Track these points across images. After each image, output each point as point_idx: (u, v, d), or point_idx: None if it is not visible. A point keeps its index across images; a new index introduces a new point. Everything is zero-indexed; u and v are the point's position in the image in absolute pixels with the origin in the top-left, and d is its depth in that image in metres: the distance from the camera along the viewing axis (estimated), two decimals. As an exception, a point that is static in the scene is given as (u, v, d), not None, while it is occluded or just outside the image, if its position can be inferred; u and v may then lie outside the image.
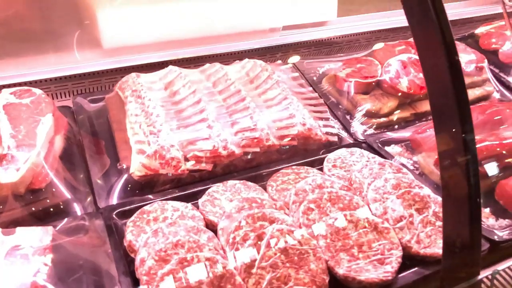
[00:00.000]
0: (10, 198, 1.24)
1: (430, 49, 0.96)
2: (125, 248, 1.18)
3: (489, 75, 2.02)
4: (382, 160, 1.48)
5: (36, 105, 1.47)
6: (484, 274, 1.04)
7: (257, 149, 1.48)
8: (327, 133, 1.62)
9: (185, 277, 1.01)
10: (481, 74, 1.99)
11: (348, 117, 1.76)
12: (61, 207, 1.29)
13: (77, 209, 1.30)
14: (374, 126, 1.72)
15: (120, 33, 1.79)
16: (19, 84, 1.62)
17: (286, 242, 1.10)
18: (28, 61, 1.69)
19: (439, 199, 1.26)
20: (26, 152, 1.29)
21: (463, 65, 1.94)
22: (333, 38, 2.19)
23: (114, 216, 1.28)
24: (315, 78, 1.94)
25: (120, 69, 1.80)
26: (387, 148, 1.61)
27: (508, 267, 1.12)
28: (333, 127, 1.67)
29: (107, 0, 1.73)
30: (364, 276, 1.07)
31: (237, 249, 1.09)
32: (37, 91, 1.53)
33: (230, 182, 1.38)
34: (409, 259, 1.16)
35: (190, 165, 1.40)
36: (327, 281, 1.07)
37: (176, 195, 1.35)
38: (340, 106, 1.81)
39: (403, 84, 1.78)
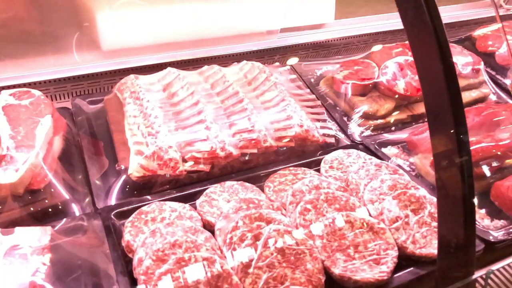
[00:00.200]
0: (9, 198, 1.24)
1: (425, 51, 0.97)
2: (123, 248, 1.19)
3: (485, 77, 2.03)
4: (378, 161, 1.49)
5: (35, 106, 1.48)
6: (478, 274, 1.05)
7: (255, 150, 1.49)
8: (324, 135, 1.63)
9: (182, 277, 1.01)
10: (477, 76, 2.00)
11: (345, 118, 1.77)
12: (60, 207, 1.29)
13: (76, 209, 1.30)
14: (371, 127, 1.74)
15: (119, 35, 1.81)
16: (19, 86, 1.64)
17: (282, 242, 1.11)
18: (28, 62, 1.70)
19: (435, 200, 1.27)
20: (25, 153, 1.30)
21: (459, 67, 1.96)
22: (331, 41, 2.21)
23: (112, 216, 1.28)
24: (312, 80, 1.95)
25: (119, 71, 1.81)
26: (383, 150, 1.62)
27: (503, 267, 1.13)
28: (330, 128, 1.68)
29: (106, 2, 1.74)
30: (360, 276, 1.08)
31: (234, 249, 1.10)
32: (36, 92, 1.54)
33: (228, 183, 1.39)
34: (405, 259, 1.17)
35: (188, 166, 1.41)
36: (323, 281, 1.08)
37: (174, 195, 1.36)
38: (337, 108, 1.82)
39: (400, 86, 1.80)
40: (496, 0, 2.58)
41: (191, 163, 1.41)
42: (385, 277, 1.09)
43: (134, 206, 1.31)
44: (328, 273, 1.11)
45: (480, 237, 1.24)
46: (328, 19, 2.24)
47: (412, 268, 1.16)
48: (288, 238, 1.12)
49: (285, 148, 1.55)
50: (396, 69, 1.85)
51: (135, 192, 1.38)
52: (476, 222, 1.32)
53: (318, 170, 1.49)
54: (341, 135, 1.69)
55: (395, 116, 1.80)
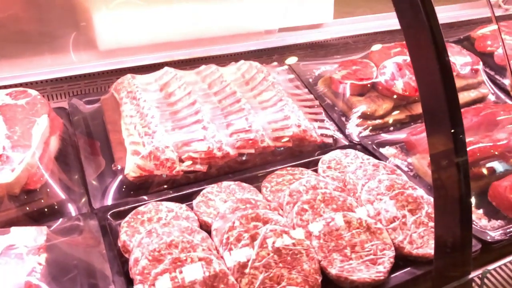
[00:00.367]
0: (5, 198, 1.24)
1: (421, 51, 0.97)
2: (119, 248, 1.18)
3: (484, 77, 2.03)
4: (376, 161, 1.48)
5: (32, 106, 1.47)
6: (474, 274, 1.04)
7: (252, 151, 1.49)
8: (322, 135, 1.63)
9: (178, 277, 1.01)
10: (476, 76, 2.00)
11: (343, 118, 1.77)
12: (56, 207, 1.29)
13: (72, 209, 1.30)
14: (369, 128, 1.73)
15: (116, 35, 1.80)
16: (15, 85, 1.63)
17: (279, 242, 1.10)
18: (24, 62, 1.70)
19: (432, 200, 1.27)
20: (21, 152, 1.30)
21: (458, 67, 1.95)
22: (329, 40, 2.20)
23: (108, 216, 1.28)
24: (311, 80, 1.95)
25: (115, 71, 1.80)
26: (381, 150, 1.61)
27: (499, 267, 1.13)
28: (328, 128, 1.68)
29: (103, 2, 1.74)
30: (357, 276, 1.08)
31: (230, 249, 1.10)
32: (33, 92, 1.54)
33: (225, 183, 1.39)
34: (402, 259, 1.17)
35: (185, 166, 1.41)
36: (319, 281, 1.08)
37: (170, 196, 1.36)
38: (335, 108, 1.82)
39: (398, 86, 1.79)
40: (494, 1, 2.58)
41: (188, 163, 1.41)
42: (382, 277, 1.09)
43: (130, 206, 1.30)
44: (324, 273, 1.11)
45: (477, 237, 1.24)
46: (326, 19, 2.23)
47: (409, 268, 1.16)
48: (284, 238, 1.12)
49: (282, 148, 1.54)
50: (395, 69, 1.84)
51: (132, 192, 1.38)
52: (474, 222, 1.32)
53: (316, 171, 1.49)
54: (339, 135, 1.68)
55: (394, 116, 1.79)
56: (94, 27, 1.75)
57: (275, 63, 1.99)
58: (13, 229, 1.15)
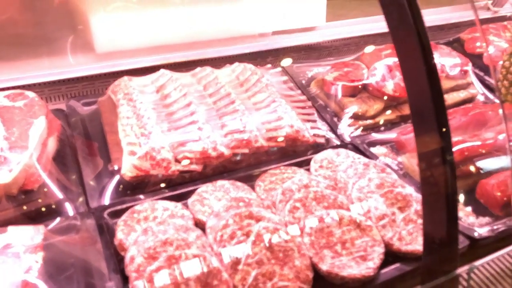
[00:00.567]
0: (3, 198, 1.26)
1: (408, 53, 1.00)
2: (116, 246, 1.21)
3: (473, 78, 2.07)
4: (366, 160, 1.52)
5: (29, 107, 1.49)
6: (461, 269, 1.07)
7: (246, 150, 1.52)
8: (314, 135, 1.66)
9: (173, 274, 1.04)
10: (465, 77, 2.04)
11: (335, 119, 1.80)
12: (53, 207, 1.31)
13: (69, 209, 1.32)
14: (361, 128, 1.77)
15: (113, 38, 1.83)
16: (13, 88, 1.65)
17: (271, 239, 1.13)
18: (22, 65, 1.72)
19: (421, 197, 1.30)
20: (19, 153, 1.32)
21: (448, 68, 1.99)
22: (322, 43, 2.24)
23: (105, 215, 1.30)
24: (304, 82, 1.98)
25: (112, 73, 1.83)
26: (372, 149, 1.64)
27: (486, 263, 1.16)
28: (320, 129, 1.71)
29: (100, 5, 1.77)
30: (347, 272, 1.11)
31: (224, 246, 1.13)
32: (30, 94, 1.56)
33: (219, 182, 1.41)
34: (391, 255, 1.20)
35: (180, 166, 1.43)
36: (311, 277, 1.11)
37: (166, 195, 1.38)
38: (327, 109, 1.85)
39: (389, 87, 1.83)
40: (484, 3, 2.63)
41: (183, 163, 1.44)
42: (372, 273, 1.12)
43: (127, 205, 1.33)
44: (316, 269, 1.14)
45: (465, 234, 1.27)
46: (319, 21, 2.27)
47: (398, 264, 1.19)
48: (277, 235, 1.14)
49: (276, 148, 1.57)
50: (385, 71, 1.88)
51: (128, 192, 1.40)
52: (462, 220, 1.35)
53: (308, 170, 1.52)
54: (331, 135, 1.71)
55: (384, 116, 1.83)
56: (92, 30, 1.77)
57: (269, 65, 2.02)
58: (10, 228, 1.17)
